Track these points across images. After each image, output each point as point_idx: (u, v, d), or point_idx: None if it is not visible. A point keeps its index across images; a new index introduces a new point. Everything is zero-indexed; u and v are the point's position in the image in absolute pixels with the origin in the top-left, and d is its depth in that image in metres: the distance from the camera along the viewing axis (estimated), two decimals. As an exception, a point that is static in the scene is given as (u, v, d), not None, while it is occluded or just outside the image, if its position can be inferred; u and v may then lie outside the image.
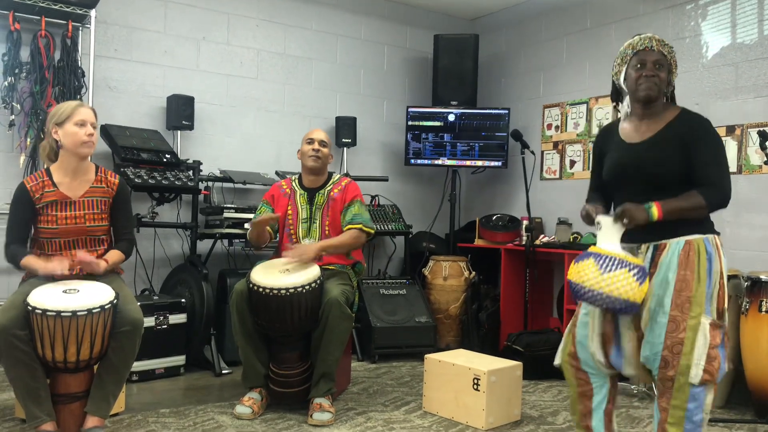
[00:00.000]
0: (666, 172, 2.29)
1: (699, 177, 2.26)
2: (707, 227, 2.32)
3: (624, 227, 2.25)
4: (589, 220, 2.39)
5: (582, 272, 2.23)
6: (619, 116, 2.52)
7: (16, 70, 3.68)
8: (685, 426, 2.21)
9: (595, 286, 2.19)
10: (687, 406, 2.20)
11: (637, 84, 2.34)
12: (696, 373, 2.18)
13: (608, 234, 2.26)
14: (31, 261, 2.59)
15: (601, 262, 2.21)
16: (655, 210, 2.22)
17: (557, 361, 2.56)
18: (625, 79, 2.40)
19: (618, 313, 2.30)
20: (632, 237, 2.32)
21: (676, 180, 2.28)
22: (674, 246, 2.27)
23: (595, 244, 2.32)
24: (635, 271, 2.19)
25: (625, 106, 2.46)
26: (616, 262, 2.19)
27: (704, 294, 2.22)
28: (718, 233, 2.34)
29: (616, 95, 2.51)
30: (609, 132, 2.52)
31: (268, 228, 3.32)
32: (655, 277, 2.29)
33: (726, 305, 2.28)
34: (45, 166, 2.76)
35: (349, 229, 3.32)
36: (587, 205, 2.43)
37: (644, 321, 2.32)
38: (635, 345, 2.38)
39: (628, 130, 2.42)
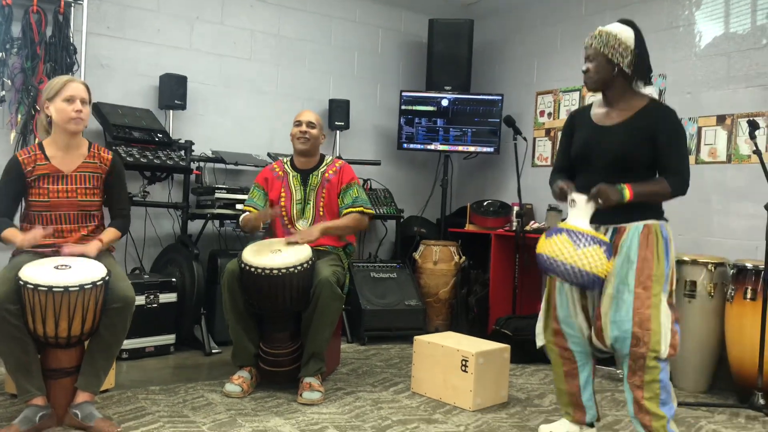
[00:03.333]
0: (632, 156, 2.43)
1: (665, 165, 2.42)
2: (661, 214, 2.48)
3: (597, 206, 2.38)
4: (562, 196, 2.51)
5: (556, 247, 2.36)
6: (591, 101, 2.67)
7: (7, 46, 3.64)
8: (661, 396, 2.33)
9: (569, 261, 2.32)
10: (660, 377, 2.33)
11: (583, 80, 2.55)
12: (664, 349, 2.32)
13: (580, 212, 2.40)
14: (10, 234, 2.58)
15: (574, 238, 2.34)
16: (627, 192, 2.36)
17: (540, 343, 2.66)
18: None
19: (584, 287, 2.43)
20: (593, 218, 2.42)
21: (641, 165, 2.43)
22: (634, 229, 2.41)
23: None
24: (605, 248, 2.34)
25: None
26: (589, 239, 2.33)
27: (663, 273, 2.37)
28: (667, 219, 2.49)
29: None
30: (580, 115, 2.66)
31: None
32: (617, 258, 2.41)
33: (674, 287, 2.44)
34: (37, 141, 2.75)
35: (350, 212, 3.34)
36: (561, 181, 2.54)
37: (605, 304, 2.41)
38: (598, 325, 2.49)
39: (599, 115, 2.56)
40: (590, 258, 2.29)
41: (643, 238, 2.38)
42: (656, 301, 2.33)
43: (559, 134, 4.72)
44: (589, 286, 2.39)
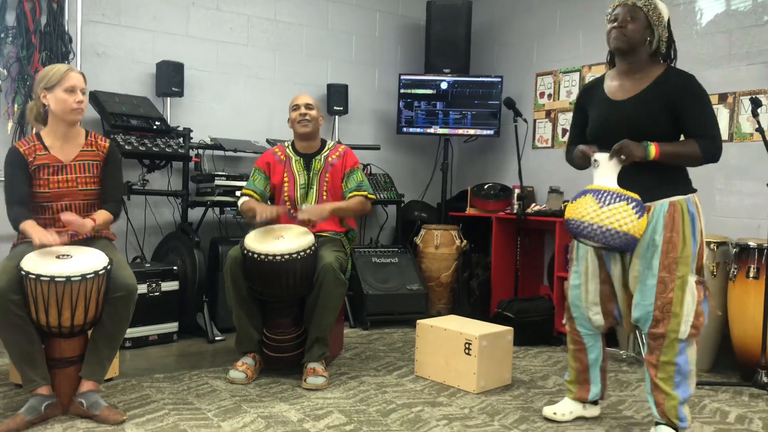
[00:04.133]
0: (649, 129, 2.33)
1: (693, 131, 2.31)
2: (688, 187, 2.39)
3: (621, 163, 2.28)
4: (585, 159, 2.43)
5: (580, 208, 2.24)
6: (604, 72, 2.56)
7: (2, 35, 3.62)
8: (675, 379, 2.32)
9: (595, 220, 2.19)
10: (676, 360, 2.30)
11: (609, 36, 2.39)
12: (685, 330, 2.28)
13: (605, 171, 2.28)
14: (28, 227, 2.53)
15: (599, 196, 2.22)
16: (653, 148, 2.26)
17: (564, 321, 2.67)
18: None
19: (619, 250, 2.30)
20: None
21: (662, 137, 2.32)
22: (659, 208, 2.32)
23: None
24: (633, 204, 2.21)
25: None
26: (614, 196, 2.21)
27: (690, 254, 2.30)
28: (695, 190, 2.40)
29: (612, 60, 2.55)
30: (592, 89, 2.55)
31: (260, 199, 3.36)
32: (642, 240, 2.33)
33: (705, 261, 2.37)
34: (34, 131, 2.72)
35: (355, 195, 3.36)
36: (582, 146, 2.47)
37: (632, 285, 2.39)
38: (626, 306, 2.48)
39: (613, 88, 2.45)
40: (617, 215, 2.16)
41: (668, 218, 2.30)
42: (681, 283, 2.28)
43: (560, 116, 4.77)
44: (624, 248, 2.25)
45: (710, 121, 2.33)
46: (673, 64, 2.44)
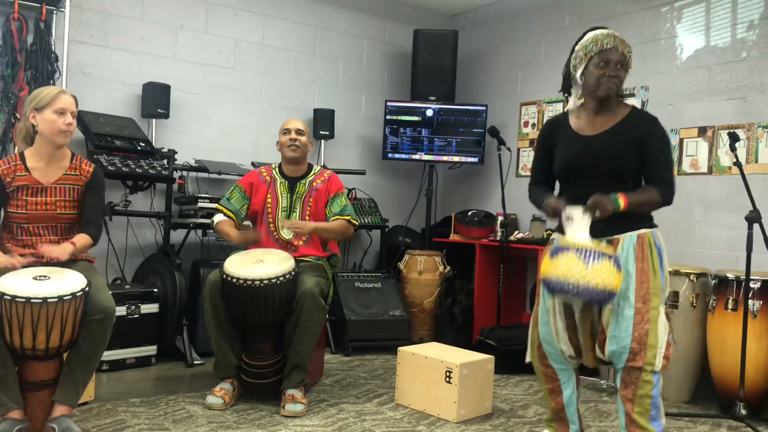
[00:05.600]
0: (622, 165, 2.39)
1: (653, 175, 2.40)
2: (652, 222, 2.44)
3: (594, 218, 2.31)
4: (555, 214, 2.42)
5: (564, 267, 2.23)
6: (567, 108, 2.58)
7: (-13, 53, 3.61)
8: (651, 412, 2.31)
9: (581, 280, 2.19)
10: (652, 393, 2.29)
11: (599, 82, 2.38)
12: (658, 362, 2.29)
13: (579, 225, 2.31)
14: None
15: (583, 255, 2.22)
16: (621, 201, 2.31)
17: (528, 359, 2.64)
18: (583, 74, 2.44)
19: (599, 304, 2.33)
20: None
21: (631, 173, 2.40)
22: (628, 240, 2.37)
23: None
24: (613, 260, 2.25)
25: (574, 98, 2.51)
26: (598, 255, 2.22)
27: (660, 285, 2.34)
28: (657, 225, 2.45)
29: (567, 86, 2.55)
30: (557, 125, 2.55)
31: (235, 218, 3.38)
32: None
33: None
34: (17, 150, 2.70)
35: (339, 219, 3.36)
36: (549, 199, 2.47)
37: (606, 318, 2.36)
38: (587, 338, 2.46)
39: (581, 124, 2.47)
40: (603, 274, 2.19)
41: (638, 249, 2.34)
42: (655, 315, 2.29)
43: (543, 145, 4.82)
44: (605, 301, 2.28)
45: (669, 166, 2.43)
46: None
